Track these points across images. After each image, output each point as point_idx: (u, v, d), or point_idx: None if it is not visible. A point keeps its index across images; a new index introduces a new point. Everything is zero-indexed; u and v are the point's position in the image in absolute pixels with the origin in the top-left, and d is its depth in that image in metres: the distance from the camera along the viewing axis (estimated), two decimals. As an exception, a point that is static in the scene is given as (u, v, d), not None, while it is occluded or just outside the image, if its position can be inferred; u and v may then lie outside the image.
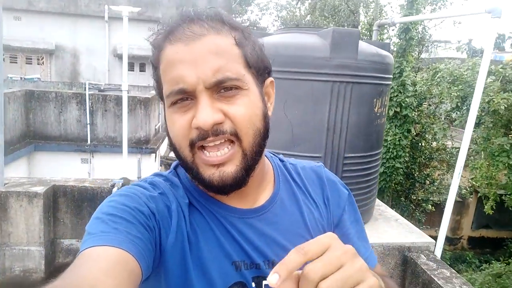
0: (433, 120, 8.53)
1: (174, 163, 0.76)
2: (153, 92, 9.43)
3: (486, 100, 6.17)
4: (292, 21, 20.01)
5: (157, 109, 9.39)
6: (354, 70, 2.57)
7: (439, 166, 8.50)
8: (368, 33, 12.36)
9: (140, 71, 13.80)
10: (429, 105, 8.65)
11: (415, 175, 8.42)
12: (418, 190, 8.21)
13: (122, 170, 3.54)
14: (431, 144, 8.63)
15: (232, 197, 0.68)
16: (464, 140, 2.81)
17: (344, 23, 18.56)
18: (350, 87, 2.57)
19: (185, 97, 0.61)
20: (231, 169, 0.62)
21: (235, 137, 0.61)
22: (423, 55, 12.52)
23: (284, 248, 0.69)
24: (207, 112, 0.59)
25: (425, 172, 8.39)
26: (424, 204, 8.08)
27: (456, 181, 2.76)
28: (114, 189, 3.18)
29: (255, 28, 21.45)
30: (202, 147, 0.62)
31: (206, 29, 0.60)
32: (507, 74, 6.49)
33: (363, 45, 2.68)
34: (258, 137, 0.64)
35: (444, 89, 6.78)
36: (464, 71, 6.64)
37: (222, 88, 0.60)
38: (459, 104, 6.69)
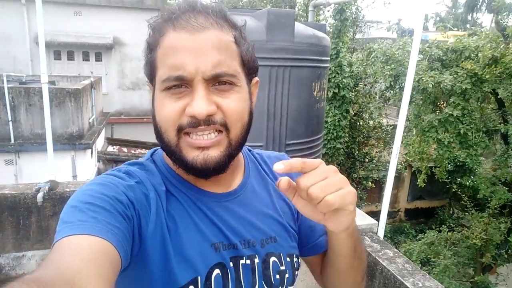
0: (369, 99, 8.86)
1: (150, 151, 0.78)
2: (85, 82, 8.78)
3: (416, 79, 6.49)
4: (230, 2, 19.65)
5: (90, 100, 8.76)
6: (292, 53, 2.49)
7: (376, 144, 8.90)
8: (305, 14, 12.47)
9: (69, 59, 12.74)
10: (365, 85, 8.97)
11: (355, 154, 8.74)
12: (359, 168, 8.54)
13: (50, 171, 3.19)
14: (368, 123, 8.99)
15: (208, 182, 0.71)
16: (400, 119, 2.88)
17: (281, 4, 18.61)
18: (288, 71, 2.50)
19: (181, 84, 0.63)
20: (215, 154, 0.65)
21: (224, 128, 0.65)
22: (357, 36, 12.92)
23: (257, 228, 0.74)
24: (203, 103, 0.61)
25: (364, 151, 8.74)
26: (364, 182, 8.44)
27: (394, 160, 2.82)
28: (39, 195, 2.87)
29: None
30: (188, 133, 0.64)
31: (210, 23, 0.63)
32: (433, 53, 6.87)
33: (299, 27, 2.61)
34: (243, 130, 0.68)
35: (378, 68, 7.04)
36: (396, 51, 6.92)
37: (217, 82, 0.63)
38: (392, 83, 6.98)
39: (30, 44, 12.05)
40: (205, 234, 0.68)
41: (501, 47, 6.51)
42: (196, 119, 0.62)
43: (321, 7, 9.95)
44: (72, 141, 7.60)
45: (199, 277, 0.66)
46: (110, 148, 9.59)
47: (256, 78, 0.75)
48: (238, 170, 0.79)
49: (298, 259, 0.81)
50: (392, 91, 7.38)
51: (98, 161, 8.56)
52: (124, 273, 0.59)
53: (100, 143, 9.37)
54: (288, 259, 0.77)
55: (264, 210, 0.77)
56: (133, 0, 11.73)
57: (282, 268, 0.75)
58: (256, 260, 0.72)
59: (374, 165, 8.41)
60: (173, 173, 0.72)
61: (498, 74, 6.28)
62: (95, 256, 0.51)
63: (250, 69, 0.70)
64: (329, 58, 2.97)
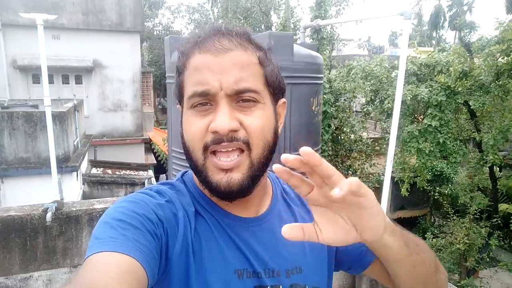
0: (349, 114, 9.19)
1: (180, 172, 0.79)
2: (68, 105, 8.70)
3: (395, 92, 6.84)
4: (206, 24, 20.00)
5: (74, 123, 8.70)
6: (292, 71, 2.68)
7: (358, 156, 9.18)
8: (282, 35, 12.92)
9: (49, 82, 12.63)
10: (345, 100, 9.32)
11: (339, 167, 8.98)
12: (343, 180, 8.76)
13: (49, 192, 3.22)
14: (350, 136, 9.30)
15: (237, 206, 0.70)
16: (392, 131, 3.10)
17: (257, 25, 19.10)
18: (290, 88, 2.68)
19: (205, 102, 0.64)
20: (238, 176, 0.64)
21: (246, 146, 0.64)
22: (333, 53, 13.43)
23: (283, 257, 0.71)
24: (225, 118, 0.62)
25: (347, 163, 9.00)
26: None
27: (388, 171, 3.03)
28: (48, 215, 2.90)
29: (168, 32, 20.98)
30: (214, 153, 0.65)
31: (234, 44, 0.65)
32: (408, 68, 7.28)
33: (296, 47, 2.81)
34: (266, 150, 0.67)
35: (359, 84, 7.37)
36: (374, 67, 7.29)
37: (241, 99, 0.64)
38: (372, 97, 7.32)
39: (8, 68, 11.87)
40: (229, 259, 0.67)
41: (469, 61, 7.00)
42: (219, 134, 0.62)
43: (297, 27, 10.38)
44: (59, 164, 7.48)
45: None
46: (94, 170, 9.48)
47: (283, 99, 0.74)
48: (266, 195, 0.77)
49: None
50: (372, 105, 7.71)
51: (83, 183, 8.45)
52: None
53: (84, 165, 9.26)
54: None
55: None
56: (112, 23, 11.81)
57: None
58: None
59: (358, 177, 8.66)
60: (202, 195, 0.72)
61: (469, 87, 6.72)
62: (123, 274, 0.51)
63: (275, 89, 0.70)
64: (323, 75, 3.19)
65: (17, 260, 3.00)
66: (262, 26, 19.24)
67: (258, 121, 0.65)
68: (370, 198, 0.52)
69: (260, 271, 0.68)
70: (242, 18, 18.53)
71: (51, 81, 12.53)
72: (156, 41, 20.15)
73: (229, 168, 0.64)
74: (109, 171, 9.59)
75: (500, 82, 6.39)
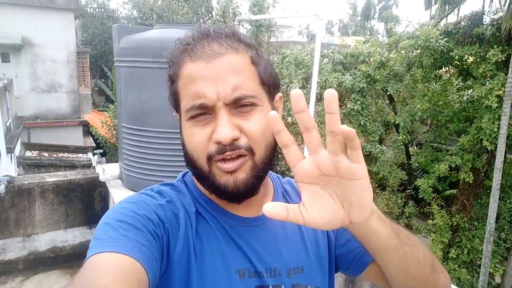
0: (285, 98, 9.87)
1: (181, 173, 0.79)
2: (-2, 85, 8.30)
3: (323, 79, 7.59)
4: (145, 4, 19.49)
5: (5, 103, 8.36)
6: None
7: (295, 138, 9.91)
8: (222, 19, 13.18)
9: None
10: (282, 85, 9.98)
11: (277, 148, 9.63)
12: (281, 161, 9.49)
13: (4, 168, 3.37)
14: (287, 119, 10.01)
15: (238, 206, 0.70)
16: (310, 109, 3.70)
17: (198, 8, 19.06)
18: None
19: (204, 112, 0.64)
20: (242, 176, 0.65)
21: (249, 152, 0.65)
22: (271, 40, 14.02)
23: (284, 256, 0.72)
24: (226, 128, 0.62)
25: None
26: (287, 172, 9.41)
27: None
28: (2, 187, 3.09)
29: (103, 10, 20.12)
30: (217, 160, 0.65)
31: (225, 47, 0.64)
32: (335, 58, 8.06)
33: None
34: (269, 150, 0.67)
35: (292, 71, 8.02)
36: (305, 56, 7.96)
37: (239, 105, 0.64)
38: (304, 84, 8.01)
39: None
40: (230, 259, 0.67)
41: (386, 53, 7.96)
42: (222, 144, 0.62)
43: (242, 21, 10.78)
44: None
45: None
46: (29, 153, 9.19)
47: (279, 94, 0.73)
48: (268, 194, 0.77)
49: None
50: (304, 91, 8.42)
51: (18, 166, 8.21)
52: None
53: (17, 148, 8.93)
54: None
55: (291, 237, 0.75)
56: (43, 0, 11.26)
57: None
58: None
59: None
60: (203, 196, 0.72)
61: (386, 75, 7.67)
62: (124, 275, 0.51)
63: (270, 87, 0.69)
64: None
65: (-30, 230, 3.17)
66: (203, 9, 19.25)
67: (258, 125, 0.65)
68: (362, 165, 0.50)
69: (262, 270, 0.69)
70: (183, 0, 18.40)
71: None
72: (91, 19, 19.26)
73: (233, 169, 0.64)
74: (46, 154, 9.36)
75: (411, 72, 7.38)
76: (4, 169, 3.33)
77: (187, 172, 0.77)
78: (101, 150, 4.03)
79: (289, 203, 0.61)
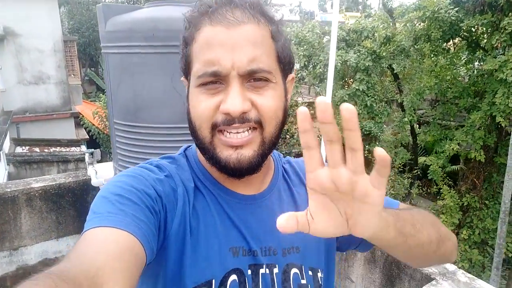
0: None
1: (184, 146, 0.77)
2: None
3: (326, 58, 7.17)
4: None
5: (-10, 99, 7.90)
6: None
7: (294, 120, 9.56)
8: None
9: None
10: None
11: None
12: (281, 145, 9.14)
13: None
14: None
15: (238, 182, 0.68)
16: (327, 96, 3.32)
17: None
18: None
19: (216, 81, 0.61)
20: (248, 153, 0.63)
21: (258, 125, 0.63)
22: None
23: (280, 236, 0.66)
24: (237, 100, 0.60)
25: (284, 128, 9.35)
26: (288, 156, 9.09)
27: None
28: (-20, 198, 2.72)
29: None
30: (221, 131, 0.63)
31: (247, 17, 0.61)
32: (337, 34, 7.61)
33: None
34: (277, 128, 0.65)
35: (293, 49, 7.58)
36: (306, 33, 7.51)
37: (252, 78, 0.61)
38: (306, 63, 7.59)
39: None
40: (224, 237, 0.66)
41: (391, 27, 7.51)
42: (231, 116, 0.60)
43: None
44: (-23, 145, 6.85)
45: (213, 280, 0.64)
46: (19, 149, 8.78)
47: (292, 75, 0.72)
48: (269, 172, 0.76)
49: (323, 275, 0.76)
50: (306, 71, 8.01)
51: (8, 164, 7.82)
52: (146, 268, 0.57)
53: (6, 145, 8.51)
54: (310, 272, 0.73)
55: None
56: (23, -14, 10.63)
57: (303, 282, 0.71)
58: (275, 270, 0.69)
59: (295, 141, 9.07)
60: (203, 171, 0.71)
61: (392, 51, 7.24)
62: (121, 251, 0.50)
63: (285, 66, 0.67)
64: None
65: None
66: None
67: (271, 102, 0.63)
68: (381, 193, 0.45)
69: (256, 249, 0.67)
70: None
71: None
72: (76, 6, 18.49)
73: (239, 144, 0.62)
74: (37, 149, 8.95)
75: (418, 46, 6.97)
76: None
77: (189, 146, 0.76)
78: (92, 150, 3.66)
79: (288, 183, 0.77)
